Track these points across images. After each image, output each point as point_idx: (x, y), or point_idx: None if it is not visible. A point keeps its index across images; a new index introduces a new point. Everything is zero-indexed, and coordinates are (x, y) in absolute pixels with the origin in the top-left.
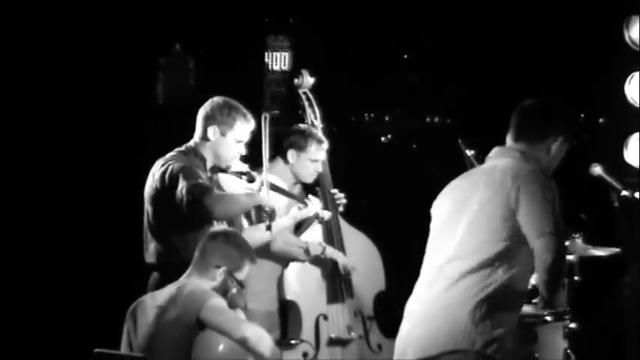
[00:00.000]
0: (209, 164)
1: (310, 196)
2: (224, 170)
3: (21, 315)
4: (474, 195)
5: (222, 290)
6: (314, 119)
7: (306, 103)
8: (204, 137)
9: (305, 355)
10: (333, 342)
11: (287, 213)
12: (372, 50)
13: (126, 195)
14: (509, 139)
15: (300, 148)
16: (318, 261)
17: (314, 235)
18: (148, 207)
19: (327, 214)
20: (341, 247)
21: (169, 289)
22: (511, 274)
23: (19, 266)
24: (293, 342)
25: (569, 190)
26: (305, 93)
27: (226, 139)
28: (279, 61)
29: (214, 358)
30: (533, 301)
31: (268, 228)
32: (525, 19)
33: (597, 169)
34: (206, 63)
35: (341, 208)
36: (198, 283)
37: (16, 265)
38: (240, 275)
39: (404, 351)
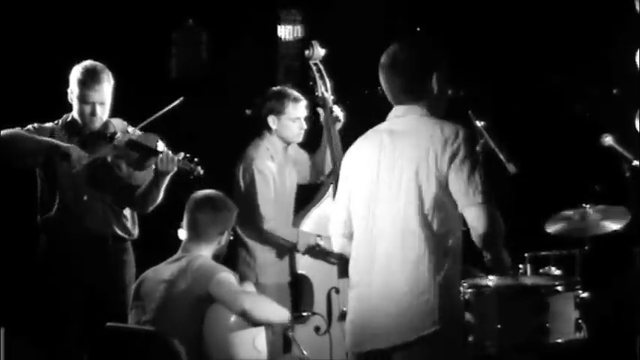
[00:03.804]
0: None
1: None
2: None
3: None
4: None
5: (225, 247)
6: (324, 91)
7: (316, 75)
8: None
9: (317, 328)
10: (344, 315)
11: (309, 170)
12: (385, 23)
13: None
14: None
15: (278, 111)
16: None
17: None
18: None
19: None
20: None
21: (179, 264)
22: None
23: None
24: (305, 314)
25: (580, 160)
26: (316, 64)
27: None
28: (291, 34)
29: (226, 330)
30: (540, 271)
31: None
32: None
33: (608, 140)
34: (218, 37)
35: None
36: (206, 255)
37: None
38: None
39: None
